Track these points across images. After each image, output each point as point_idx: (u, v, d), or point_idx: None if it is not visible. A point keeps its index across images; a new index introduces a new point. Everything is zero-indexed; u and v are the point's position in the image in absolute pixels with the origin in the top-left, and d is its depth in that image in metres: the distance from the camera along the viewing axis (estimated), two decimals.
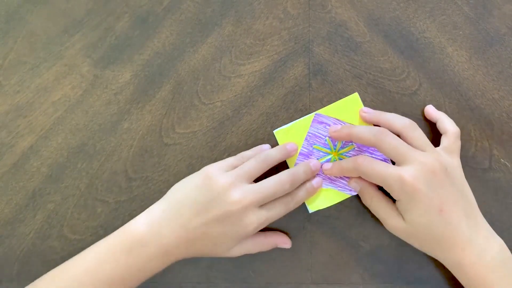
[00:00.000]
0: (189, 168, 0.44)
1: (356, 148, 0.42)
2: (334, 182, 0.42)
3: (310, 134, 0.43)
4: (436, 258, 0.38)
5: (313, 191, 0.41)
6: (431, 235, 0.37)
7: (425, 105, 0.43)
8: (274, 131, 0.43)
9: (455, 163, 0.39)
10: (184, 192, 0.38)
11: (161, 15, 0.47)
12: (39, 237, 0.43)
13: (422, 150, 0.38)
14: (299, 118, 0.43)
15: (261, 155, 0.40)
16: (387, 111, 0.43)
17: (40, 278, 0.37)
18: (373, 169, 0.37)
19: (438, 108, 0.43)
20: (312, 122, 0.43)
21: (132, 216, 0.41)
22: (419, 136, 0.38)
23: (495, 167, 0.43)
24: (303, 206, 0.42)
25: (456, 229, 0.36)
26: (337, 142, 0.43)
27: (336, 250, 0.42)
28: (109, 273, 0.36)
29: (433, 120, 0.43)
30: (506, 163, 0.43)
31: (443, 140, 0.41)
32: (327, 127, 0.43)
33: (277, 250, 0.41)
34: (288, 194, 0.39)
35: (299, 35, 0.46)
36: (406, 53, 0.45)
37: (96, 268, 0.36)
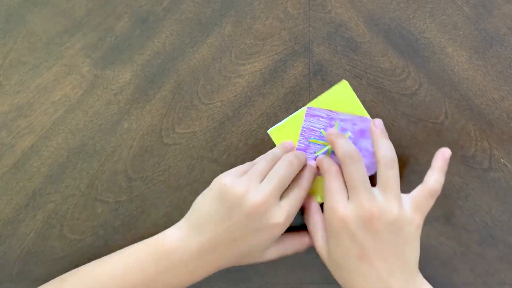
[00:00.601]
0: (189, 168, 0.44)
1: (352, 136, 0.42)
2: None
3: (304, 129, 0.43)
4: None
5: (314, 170, 0.41)
6: (346, 278, 0.36)
7: (425, 105, 0.43)
8: (268, 131, 0.43)
9: (414, 221, 0.35)
10: (203, 208, 0.38)
11: (161, 15, 0.47)
12: (39, 237, 0.43)
13: (383, 192, 0.36)
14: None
15: (268, 155, 0.40)
16: (387, 111, 0.43)
17: (69, 273, 0.39)
18: (326, 185, 0.38)
19: (439, 107, 0.43)
20: (305, 116, 0.43)
21: (132, 216, 0.41)
22: (390, 177, 0.36)
23: (495, 167, 0.43)
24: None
25: (370, 283, 0.34)
26: None
27: None
28: (134, 281, 0.37)
29: (432, 163, 0.38)
30: (506, 163, 0.43)
31: (417, 188, 0.37)
32: (321, 119, 0.43)
33: None
34: (297, 177, 0.39)
35: (299, 35, 0.46)
36: (406, 53, 0.45)
37: (122, 274, 0.37)
